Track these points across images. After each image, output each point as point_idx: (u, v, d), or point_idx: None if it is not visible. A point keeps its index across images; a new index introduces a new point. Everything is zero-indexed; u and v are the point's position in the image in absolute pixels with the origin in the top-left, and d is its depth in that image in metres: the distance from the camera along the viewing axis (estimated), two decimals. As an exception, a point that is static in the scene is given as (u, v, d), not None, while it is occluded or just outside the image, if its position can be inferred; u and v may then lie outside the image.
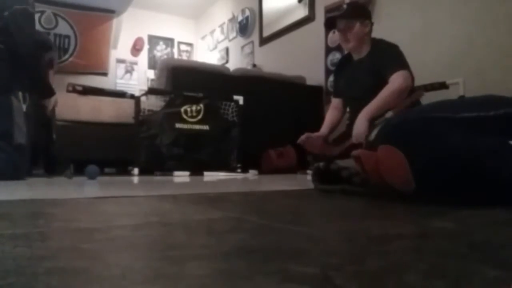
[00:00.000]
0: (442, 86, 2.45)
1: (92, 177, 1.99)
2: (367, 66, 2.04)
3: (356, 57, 2.15)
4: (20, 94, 1.97)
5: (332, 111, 2.29)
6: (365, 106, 1.87)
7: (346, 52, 2.28)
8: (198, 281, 0.32)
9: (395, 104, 1.83)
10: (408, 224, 0.69)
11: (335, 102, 2.31)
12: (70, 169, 2.01)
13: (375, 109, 1.83)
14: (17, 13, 1.96)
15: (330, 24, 2.21)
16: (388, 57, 1.96)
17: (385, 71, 1.91)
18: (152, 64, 6.33)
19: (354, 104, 2.12)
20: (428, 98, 2.04)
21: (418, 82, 2.14)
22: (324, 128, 2.22)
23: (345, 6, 2.19)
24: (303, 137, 2.10)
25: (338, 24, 2.12)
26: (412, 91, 1.96)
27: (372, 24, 2.11)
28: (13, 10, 1.95)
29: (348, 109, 2.26)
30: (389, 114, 1.79)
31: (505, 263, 0.39)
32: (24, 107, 1.97)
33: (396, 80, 1.86)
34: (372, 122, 1.80)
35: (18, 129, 1.88)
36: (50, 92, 2.15)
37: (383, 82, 1.90)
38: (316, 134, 2.15)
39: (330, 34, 3.80)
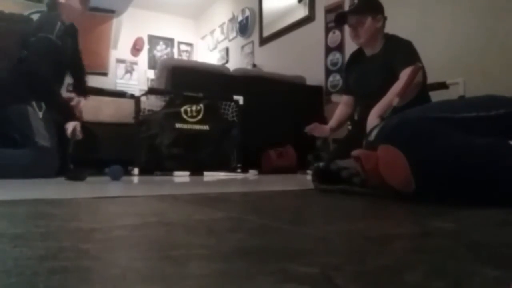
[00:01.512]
0: (442, 86, 2.44)
1: (116, 177, 1.82)
2: (379, 62, 1.98)
3: (368, 53, 2.08)
4: (34, 103, 2.12)
5: (342, 107, 2.24)
6: (376, 103, 1.84)
7: (357, 47, 2.18)
8: (198, 281, 0.32)
9: (406, 99, 1.79)
10: (408, 224, 0.69)
11: (345, 98, 2.26)
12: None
13: (386, 106, 1.77)
14: (40, 41, 2.12)
15: (340, 20, 2.15)
16: (400, 54, 1.89)
17: (397, 68, 1.85)
18: (152, 64, 6.33)
19: (365, 101, 2.08)
20: (428, 98, 2.04)
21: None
22: (333, 122, 2.21)
23: (356, 0, 2.10)
24: (311, 125, 2.12)
25: (349, 20, 2.05)
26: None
27: (385, 18, 2.03)
28: (37, 38, 2.11)
29: (357, 106, 2.22)
30: (395, 102, 1.75)
31: (505, 263, 0.39)
32: (40, 114, 2.11)
33: (405, 75, 1.81)
34: (384, 119, 1.78)
35: (38, 133, 2.06)
36: (71, 117, 2.27)
37: (395, 79, 1.85)
38: (324, 125, 2.19)
39: (330, 34, 3.81)
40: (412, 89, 1.80)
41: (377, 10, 2.03)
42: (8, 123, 2.09)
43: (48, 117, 2.15)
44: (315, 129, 2.15)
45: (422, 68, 1.86)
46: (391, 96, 1.79)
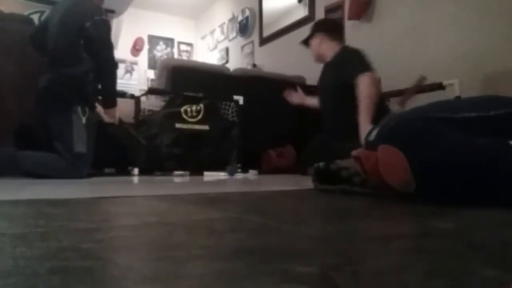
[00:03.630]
0: (439, 87, 2.45)
1: (231, 173, 2.58)
2: (330, 71, 2.33)
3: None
4: (79, 109, 2.16)
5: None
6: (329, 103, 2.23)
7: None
8: (198, 281, 0.32)
9: (376, 105, 1.90)
10: (408, 224, 0.69)
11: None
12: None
13: (368, 116, 2.00)
14: (98, 23, 2.13)
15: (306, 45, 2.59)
16: (349, 63, 2.16)
17: (349, 77, 2.11)
18: (152, 64, 6.32)
19: (323, 104, 2.49)
20: (425, 99, 2.04)
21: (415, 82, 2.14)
22: (312, 100, 2.65)
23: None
24: (288, 90, 2.65)
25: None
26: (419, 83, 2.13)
27: (324, 32, 2.37)
28: (94, 21, 2.11)
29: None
30: (395, 108, 1.82)
31: (505, 263, 0.39)
32: (83, 119, 2.17)
33: (363, 87, 2.03)
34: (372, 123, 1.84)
35: (77, 140, 2.15)
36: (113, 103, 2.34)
37: (346, 87, 2.09)
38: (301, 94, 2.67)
39: (330, 34, 3.82)
40: (376, 94, 2.04)
41: (315, 30, 2.46)
42: (51, 129, 2.15)
43: (91, 122, 2.21)
44: (292, 95, 2.61)
45: (376, 76, 2.13)
46: (365, 110, 2.01)
